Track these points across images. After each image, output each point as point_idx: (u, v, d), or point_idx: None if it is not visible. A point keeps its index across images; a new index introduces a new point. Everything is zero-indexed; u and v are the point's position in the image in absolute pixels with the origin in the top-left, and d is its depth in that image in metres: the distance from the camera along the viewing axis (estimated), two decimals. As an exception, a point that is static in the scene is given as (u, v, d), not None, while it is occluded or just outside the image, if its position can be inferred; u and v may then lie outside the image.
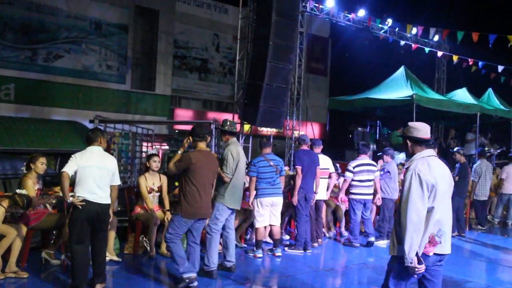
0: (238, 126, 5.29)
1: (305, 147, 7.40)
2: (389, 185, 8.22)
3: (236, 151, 5.88)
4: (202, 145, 5.40)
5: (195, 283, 5.20)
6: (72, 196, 4.81)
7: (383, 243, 8.09)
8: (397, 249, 3.65)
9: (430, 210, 3.52)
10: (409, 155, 3.83)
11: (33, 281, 5.25)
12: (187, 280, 5.15)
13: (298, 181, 7.09)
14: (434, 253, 3.57)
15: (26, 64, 15.74)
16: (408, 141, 3.84)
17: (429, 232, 3.50)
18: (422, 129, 3.80)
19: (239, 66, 11.45)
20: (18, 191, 5.37)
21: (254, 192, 6.65)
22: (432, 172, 3.55)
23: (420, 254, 3.46)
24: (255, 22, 10.43)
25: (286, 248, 7.24)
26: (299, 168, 7.12)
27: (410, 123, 3.94)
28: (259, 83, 9.81)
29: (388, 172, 8.20)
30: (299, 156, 7.23)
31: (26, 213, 5.60)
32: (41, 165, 5.80)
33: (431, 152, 3.76)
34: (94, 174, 4.86)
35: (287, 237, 8.23)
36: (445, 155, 10.69)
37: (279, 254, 6.98)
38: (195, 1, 20.33)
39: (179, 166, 5.21)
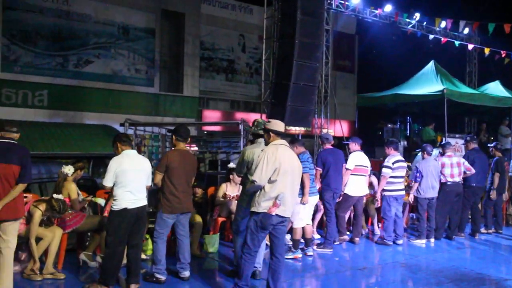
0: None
1: (328, 146, 7.35)
2: (421, 183, 8.05)
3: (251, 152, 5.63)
4: (182, 145, 5.63)
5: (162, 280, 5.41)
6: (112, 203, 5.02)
7: (421, 243, 7.95)
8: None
9: (273, 182, 4.70)
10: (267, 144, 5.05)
11: (70, 282, 5.36)
12: (154, 279, 5.40)
13: (317, 183, 7.10)
14: (276, 214, 4.71)
15: (58, 71, 16.13)
16: (270, 133, 5.01)
17: (272, 197, 4.68)
18: (279, 124, 5.03)
19: (266, 66, 11.44)
20: (55, 196, 5.52)
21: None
22: (277, 155, 4.73)
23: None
24: (280, 21, 10.41)
25: (315, 247, 7.19)
26: (319, 170, 7.14)
27: (271, 120, 5.21)
28: (286, 82, 9.78)
29: (419, 172, 8.02)
30: (322, 157, 7.23)
31: (67, 216, 5.75)
32: (80, 172, 6.14)
33: (283, 141, 4.96)
34: (132, 177, 5.01)
35: (318, 236, 8.17)
36: (484, 150, 10.37)
37: (311, 253, 6.94)
38: (220, 2, 20.43)
39: (160, 168, 5.42)
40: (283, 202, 4.75)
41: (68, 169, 5.94)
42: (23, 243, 5.42)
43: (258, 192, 4.80)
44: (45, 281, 5.30)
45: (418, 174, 8.03)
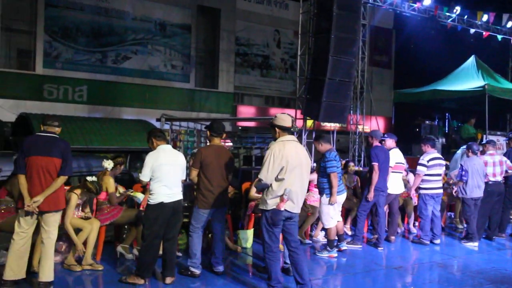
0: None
1: (377, 143, 7.23)
2: (467, 183, 7.77)
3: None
4: (217, 140, 5.65)
5: (196, 274, 5.46)
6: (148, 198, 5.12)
7: (473, 245, 7.69)
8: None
9: (281, 180, 4.65)
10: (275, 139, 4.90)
11: (108, 273, 5.49)
12: (189, 273, 5.45)
13: (375, 177, 6.96)
14: (285, 209, 4.68)
15: (97, 67, 16.55)
16: (276, 129, 4.88)
17: (279, 195, 4.65)
18: (285, 119, 4.85)
19: (301, 61, 11.37)
20: (88, 178, 5.64)
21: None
22: (284, 152, 4.65)
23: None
24: (316, 16, 10.31)
25: (345, 243, 7.11)
26: (376, 164, 6.98)
27: (277, 114, 4.97)
28: (321, 77, 9.69)
29: (465, 170, 7.77)
30: (376, 153, 7.08)
31: (105, 209, 5.90)
32: (120, 167, 6.29)
33: (291, 137, 4.86)
34: (168, 171, 5.09)
35: (350, 232, 8.08)
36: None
37: (345, 248, 6.92)
38: (256, -2, 20.44)
39: (195, 164, 5.46)
40: (291, 197, 4.71)
41: (108, 164, 6.08)
42: (64, 234, 5.58)
43: (266, 190, 4.78)
44: (84, 271, 5.45)
45: (463, 173, 7.77)
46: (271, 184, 4.71)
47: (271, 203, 4.72)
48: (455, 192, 8.11)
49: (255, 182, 5.03)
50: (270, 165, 4.64)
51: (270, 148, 4.80)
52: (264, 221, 4.83)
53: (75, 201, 5.54)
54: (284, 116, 4.92)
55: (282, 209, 4.70)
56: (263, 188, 4.80)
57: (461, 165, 8.00)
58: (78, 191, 5.58)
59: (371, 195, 6.98)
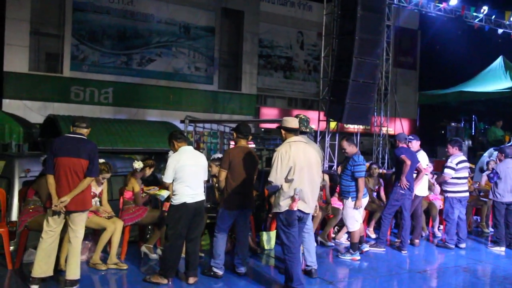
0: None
1: (403, 145, 7.14)
2: (499, 186, 7.63)
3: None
4: (243, 142, 5.68)
5: (219, 275, 5.48)
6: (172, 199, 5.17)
7: (500, 250, 7.56)
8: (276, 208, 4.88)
9: (291, 181, 4.74)
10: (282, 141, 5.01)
11: (133, 272, 5.57)
12: (212, 273, 5.47)
13: (406, 169, 6.83)
14: (298, 209, 4.77)
15: (122, 69, 16.82)
16: (282, 130, 5.00)
17: (290, 195, 4.73)
18: (290, 121, 4.99)
19: (324, 63, 11.33)
20: (100, 160, 5.62)
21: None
22: (291, 153, 4.74)
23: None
24: (340, 18, 10.27)
25: (368, 246, 7.05)
26: (405, 156, 6.85)
27: (284, 118, 5.11)
28: (345, 79, 9.65)
29: (497, 173, 7.63)
30: (402, 151, 6.99)
31: (130, 209, 6.00)
32: (149, 170, 6.36)
33: (297, 138, 4.94)
34: (190, 172, 5.15)
35: (374, 235, 8.01)
36: None
37: (367, 249, 6.89)
38: (279, 0, 20.46)
39: (224, 165, 5.48)
40: (302, 197, 4.79)
41: (138, 165, 6.18)
42: (90, 233, 5.69)
43: (277, 193, 4.85)
44: (109, 270, 5.54)
45: (493, 175, 7.63)
46: (281, 186, 4.79)
47: (284, 204, 4.81)
48: (481, 195, 7.96)
49: (267, 184, 5.07)
50: (278, 166, 4.76)
51: (277, 150, 4.94)
52: (279, 224, 4.92)
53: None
54: (290, 119, 5.13)
55: (295, 208, 4.77)
56: (275, 190, 4.87)
57: (492, 168, 7.86)
58: None
59: (404, 182, 6.81)
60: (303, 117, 5.85)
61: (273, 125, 19.04)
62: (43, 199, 5.25)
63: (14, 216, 5.66)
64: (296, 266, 4.89)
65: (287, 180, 4.78)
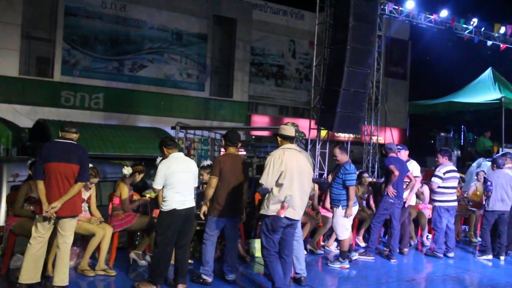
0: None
1: (393, 155, 7.18)
2: (491, 196, 7.65)
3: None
4: (232, 149, 5.70)
5: (208, 282, 5.48)
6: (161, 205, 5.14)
7: (487, 259, 7.61)
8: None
9: (281, 185, 4.79)
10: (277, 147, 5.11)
11: (121, 279, 5.53)
12: (201, 280, 5.47)
13: (393, 179, 6.87)
14: (285, 216, 4.82)
15: (114, 74, 16.77)
16: (278, 137, 5.11)
17: (280, 200, 4.78)
18: (287, 129, 5.12)
19: (316, 72, 11.40)
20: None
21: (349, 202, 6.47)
22: (284, 158, 4.83)
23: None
24: (332, 27, 10.36)
25: (357, 254, 7.07)
26: (393, 167, 6.88)
27: (282, 125, 5.29)
28: (336, 88, 9.72)
29: (490, 182, 7.68)
30: (391, 160, 7.03)
31: (119, 215, 5.97)
32: (138, 175, 6.34)
33: (292, 145, 5.06)
34: (180, 179, 5.13)
35: (363, 244, 8.02)
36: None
37: (356, 257, 6.90)
38: (272, 8, 20.59)
39: (214, 173, 5.48)
40: (292, 204, 4.85)
41: (127, 171, 6.15)
42: (78, 239, 5.65)
43: (267, 195, 4.93)
44: (97, 276, 5.49)
45: (489, 183, 7.70)
46: (271, 189, 4.86)
47: (272, 208, 4.87)
48: (470, 205, 8.02)
49: (257, 187, 5.12)
50: (270, 169, 4.84)
51: (270, 154, 5.04)
52: (263, 227, 4.98)
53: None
54: (287, 127, 5.22)
55: (282, 215, 4.81)
56: (265, 193, 4.93)
57: (484, 178, 7.95)
58: None
59: (390, 190, 6.84)
60: (291, 124, 5.87)
61: (264, 133, 19.09)
62: (17, 205, 5.29)
63: (2, 221, 5.60)
64: (276, 267, 4.94)
65: (277, 184, 4.84)
